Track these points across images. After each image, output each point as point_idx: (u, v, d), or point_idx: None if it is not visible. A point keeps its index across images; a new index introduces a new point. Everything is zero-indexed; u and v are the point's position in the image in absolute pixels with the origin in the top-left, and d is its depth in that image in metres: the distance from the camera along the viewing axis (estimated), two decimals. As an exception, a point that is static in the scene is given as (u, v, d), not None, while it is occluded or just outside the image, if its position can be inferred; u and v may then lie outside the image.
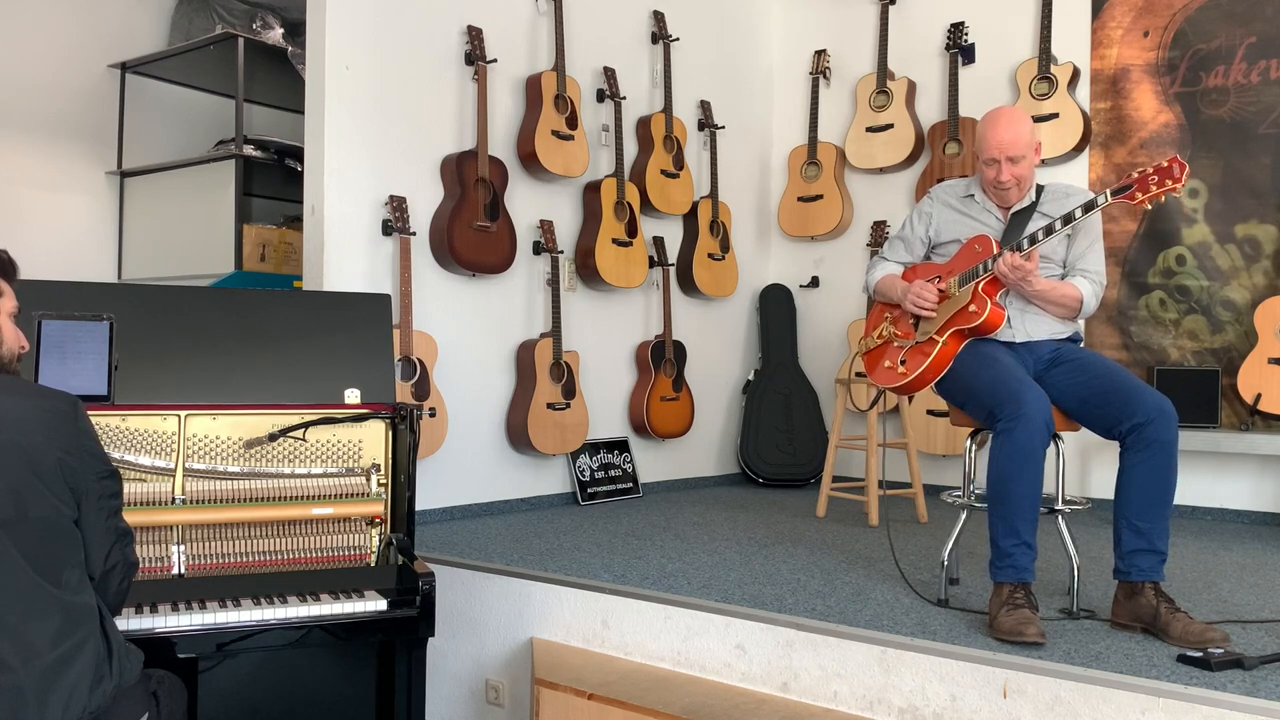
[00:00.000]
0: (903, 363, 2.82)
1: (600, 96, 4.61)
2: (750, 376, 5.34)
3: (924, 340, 2.77)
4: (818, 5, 5.46)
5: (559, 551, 3.37)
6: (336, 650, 2.67)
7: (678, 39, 4.92)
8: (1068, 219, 2.59)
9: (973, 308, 2.69)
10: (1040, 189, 2.83)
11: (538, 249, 4.32)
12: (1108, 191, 2.55)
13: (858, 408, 3.79)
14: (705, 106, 5.14)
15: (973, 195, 2.88)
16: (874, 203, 5.22)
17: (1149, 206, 2.53)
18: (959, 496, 2.84)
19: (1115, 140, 4.52)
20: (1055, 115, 4.50)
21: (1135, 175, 2.52)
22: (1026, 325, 2.74)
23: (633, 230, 4.57)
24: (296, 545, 2.50)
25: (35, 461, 1.70)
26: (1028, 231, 2.72)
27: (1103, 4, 4.57)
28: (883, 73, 5.10)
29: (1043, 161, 2.93)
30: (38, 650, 1.64)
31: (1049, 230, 2.61)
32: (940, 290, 2.78)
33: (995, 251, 2.68)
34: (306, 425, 2.55)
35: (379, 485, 2.60)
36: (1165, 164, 2.49)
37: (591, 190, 4.52)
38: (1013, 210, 2.80)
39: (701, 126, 5.13)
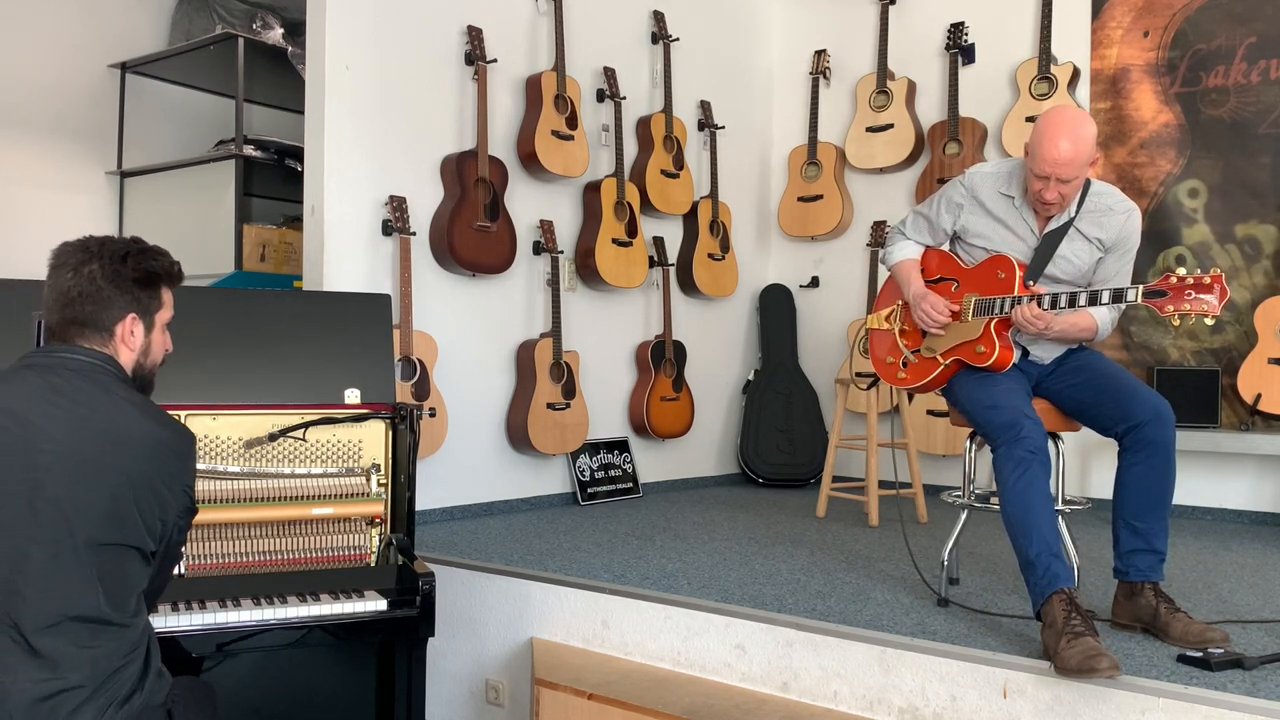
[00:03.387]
0: (904, 365, 2.80)
1: (600, 96, 4.61)
2: (750, 376, 5.34)
3: (928, 356, 2.75)
4: (818, 5, 5.46)
5: (559, 551, 3.37)
6: (336, 650, 2.67)
7: (678, 39, 4.92)
8: (1093, 299, 2.45)
9: (981, 348, 2.60)
10: (1085, 194, 2.62)
11: (538, 249, 4.32)
12: (1140, 290, 2.37)
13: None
14: (705, 106, 5.15)
15: (1012, 197, 2.66)
16: (874, 203, 5.22)
17: (1177, 321, 2.35)
18: (959, 496, 2.84)
19: (1115, 140, 4.52)
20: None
21: (1174, 281, 2.33)
22: (1036, 351, 2.69)
23: (633, 230, 4.57)
24: (296, 545, 2.50)
25: (141, 495, 1.72)
26: (1060, 251, 2.59)
27: (1103, 4, 4.57)
28: (883, 73, 5.10)
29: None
30: (93, 664, 1.66)
31: (1072, 301, 2.47)
32: (953, 309, 2.69)
33: (1016, 291, 2.57)
34: (306, 425, 2.55)
35: (379, 485, 2.60)
36: (1208, 280, 2.29)
37: (591, 190, 4.52)
38: (1047, 230, 2.63)
39: (701, 126, 5.13)
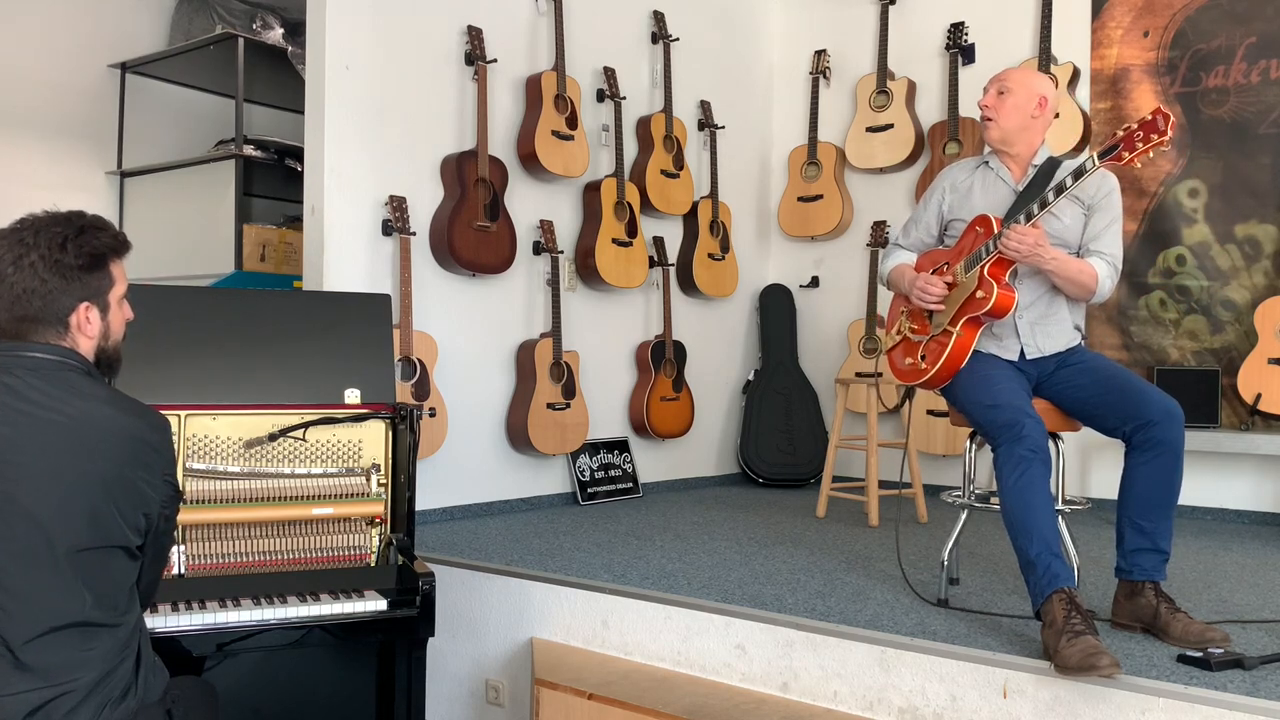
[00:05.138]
0: (923, 357, 2.76)
1: (600, 96, 4.61)
2: (750, 376, 5.34)
3: (939, 333, 2.72)
4: (818, 5, 5.46)
5: (559, 551, 3.36)
6: (336, 650, 2.66)
7: (678, 39, 4.92)
8: (1059, 189, 2.49)
9: (980, 293, 2.60)
10: (1055, 164, 2.72)
11: (538, 249, 4.32)
12: (1094, 155, 2.43)
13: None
14: (705, 106, 5.14)
15: (986, 163, 2.83)
16: (874, 203, 5.22)
17: (1138, 165, 2.39)
18: (959, 496, 2.84)
19: (1115, 140, 4.52)
20: (1056, 115, 4.49)
21: (1120, 134, 2.41)
22: (1037, 340, 2.68)
23: (633, 230, 4.57)
24: (296, 545, 2.50)
25: (116, 492, 1.67)
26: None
27: (1103, 4, 4.57)
28: (883, 73, 5.10)
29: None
30: (84, 668, 1.65)
31: (1043, 203, 2.52)
32: (947, 282, 2.71)
33: (997, 230, 2.60)
34: (306, 425, 2.55)
35: (379, 485, 2.60)
36: (1149, 116, 2.36)
37: (591, 190, 4.52)
38: (1023, 182, 2.73)
39: (701, 126, 5.13)
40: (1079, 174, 2.47)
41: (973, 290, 2.63)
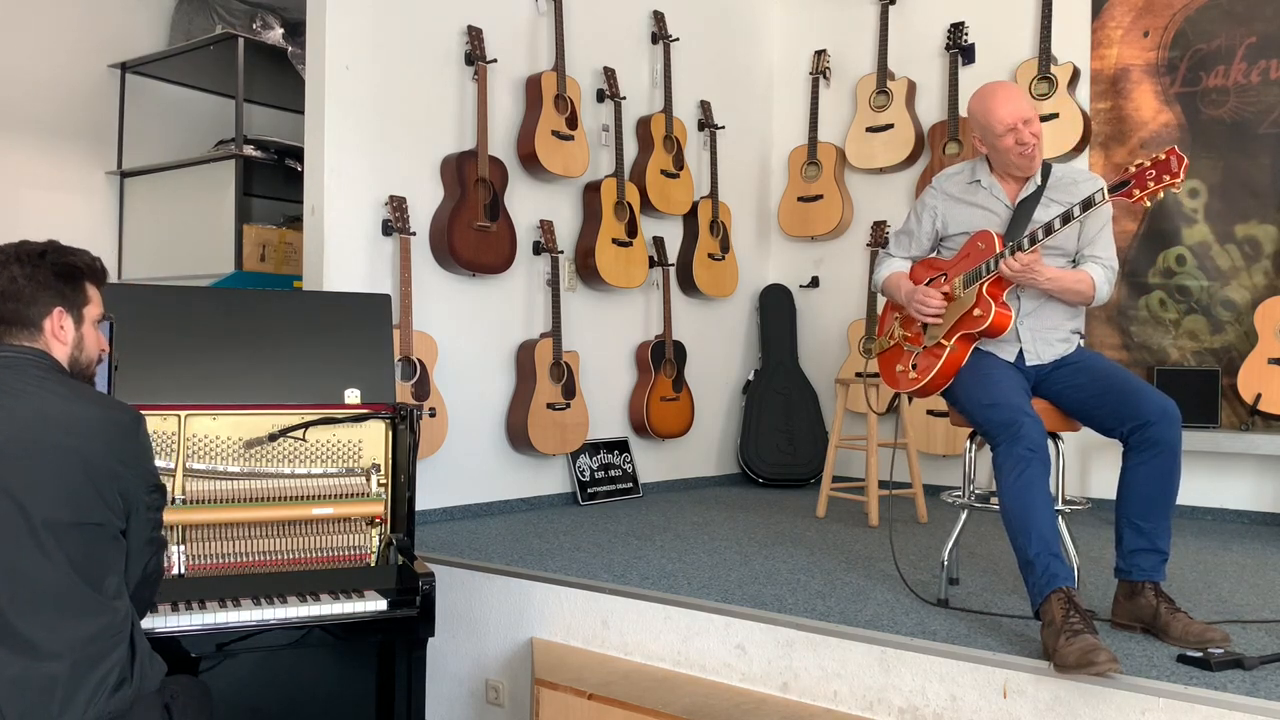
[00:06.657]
0: (914, 367, 2.77)
1: (600, 96, 4.61)
2: (750, 376, 5.34)
3: (932, 345, 2.73)
4: (818, 5, 5.46)
5: (559, 551, 3.37)
6: (336, 650, 2.67)
7: (678, 39, 4.92)
8: (1067, 218, 2.50)
9: (977, 311, 2.61)
10: (1047, 170, 2.74)
11: (538, 249, 4.32)
12: (1104, 189, 2.45)
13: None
14: (705, 106, 5.14)
15: (978, 180, 2.79)
16: (874, 203, 5.22)
17: (1148, 204, 2.42)
18: (959, 496, 2.84)
19: (1115, 140, 4.52)
20: (1055, 115, 4.50)
21: (1132, 170, 2.41)
22: (1038, 349, 2.69)
23: (633, 230, 4.57)
24: (296, 545, 2.50)
25: (94, 470, 1.74)
26: (1035, 217, 2.65)
27: (1103, 4, 4.57)
28: (883, 73, 5.10)
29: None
30: (73, 647, 1.68)
31: (1049, 230, 2.52)
32: (945, 294, 2.71)
33: (998, 250, 2.60)
34: (306, 425, 2.55)
35: (379, 485, 2.60)
36: (1163, 156, 2.37)
37: (591, 190, 4.52)
38: (1019, 198, 2.72)
39: (701, 126, 5.13)
40: (1087, 205, 2.48)
41: (970, 307, 2.63)
